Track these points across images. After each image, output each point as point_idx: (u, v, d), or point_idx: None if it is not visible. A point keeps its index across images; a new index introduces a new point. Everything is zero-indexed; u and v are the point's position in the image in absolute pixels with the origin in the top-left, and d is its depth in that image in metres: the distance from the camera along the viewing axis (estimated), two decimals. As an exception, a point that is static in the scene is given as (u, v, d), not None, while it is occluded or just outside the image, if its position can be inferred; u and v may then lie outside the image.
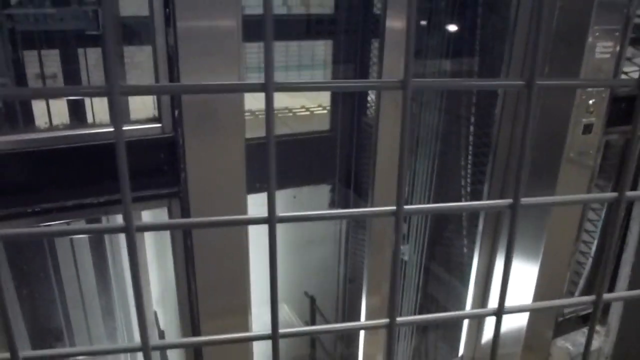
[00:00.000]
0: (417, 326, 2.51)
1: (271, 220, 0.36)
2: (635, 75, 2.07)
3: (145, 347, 0.38)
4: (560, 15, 1.69)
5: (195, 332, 1.50)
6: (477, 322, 2.27)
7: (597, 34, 1.68)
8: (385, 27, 1.63)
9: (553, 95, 1.78)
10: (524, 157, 0.37)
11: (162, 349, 0.39)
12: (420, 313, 2.53)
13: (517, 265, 2.02)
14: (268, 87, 0.33)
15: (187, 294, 1.52)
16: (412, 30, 0.34)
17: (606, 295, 0.41)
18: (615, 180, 2.13)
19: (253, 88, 0.32)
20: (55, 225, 1.48)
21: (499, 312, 0.41)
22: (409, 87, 0.33)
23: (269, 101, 0.33)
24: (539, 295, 1.96)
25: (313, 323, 3.04)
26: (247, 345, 1.62)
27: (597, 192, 2.10)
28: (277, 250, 0.38)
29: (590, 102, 1.78)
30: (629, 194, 0.38)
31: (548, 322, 2.07)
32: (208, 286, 1.49)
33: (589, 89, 1.76)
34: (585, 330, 2.30)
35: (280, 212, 0.40)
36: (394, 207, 0.38)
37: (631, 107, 1.90)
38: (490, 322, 2.22)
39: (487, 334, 2.24)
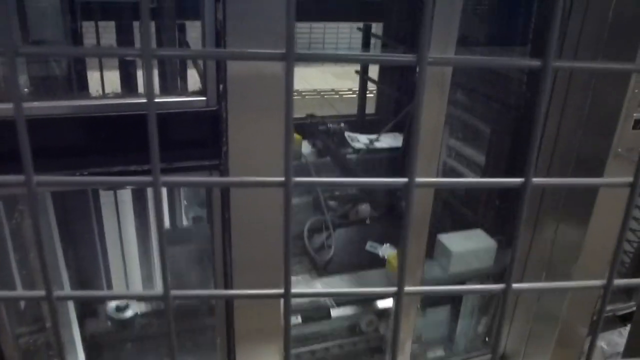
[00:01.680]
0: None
1: (287, 183, 0.38)
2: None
3: (166, 296, 0.41)
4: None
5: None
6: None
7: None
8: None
9: (603, 86, 1.72)
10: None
11: (183, 298, 0.42)
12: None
13: (559, 248, 1.96)
14: (289, 56, 0.34)
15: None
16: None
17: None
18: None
19: (273, 57, 0.34)
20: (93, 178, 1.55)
21: (507, 289, 0.42)
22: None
23: (289, 72, 0.35)
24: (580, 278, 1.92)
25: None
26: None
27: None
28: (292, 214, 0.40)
29: (644, 95, 1.71)
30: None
31: (583, 319, 2.03)
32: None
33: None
34: (621, 330, 2.24)
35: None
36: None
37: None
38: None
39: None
